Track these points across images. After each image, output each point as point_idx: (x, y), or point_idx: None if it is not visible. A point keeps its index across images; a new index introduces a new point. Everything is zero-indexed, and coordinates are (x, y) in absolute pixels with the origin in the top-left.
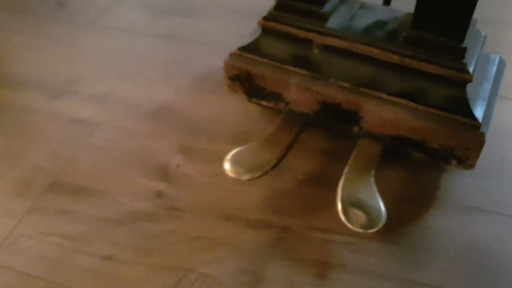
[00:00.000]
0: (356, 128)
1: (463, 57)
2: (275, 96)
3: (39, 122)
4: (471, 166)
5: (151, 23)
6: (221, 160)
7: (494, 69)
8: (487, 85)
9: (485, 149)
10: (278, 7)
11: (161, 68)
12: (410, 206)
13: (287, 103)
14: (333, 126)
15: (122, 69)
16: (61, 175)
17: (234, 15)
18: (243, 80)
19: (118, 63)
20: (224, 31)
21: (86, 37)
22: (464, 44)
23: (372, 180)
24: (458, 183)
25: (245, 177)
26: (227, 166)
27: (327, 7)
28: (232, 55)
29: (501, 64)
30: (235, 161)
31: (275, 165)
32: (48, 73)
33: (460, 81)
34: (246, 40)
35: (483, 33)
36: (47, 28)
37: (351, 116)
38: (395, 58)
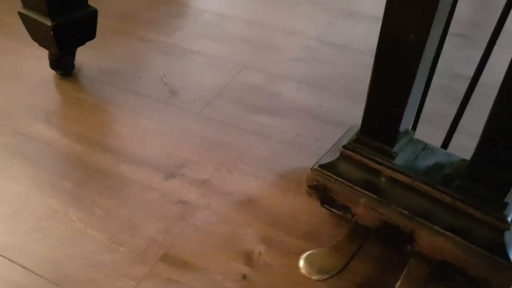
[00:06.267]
0: (409, 247)
1: (504, 209)
2: (344, 208)
3: (155, 199)
4: None
5: (244, 118)
6: (294, 255)
7: None
8: None
9: None
10: (356, 140)
11: (251, 162)
12: None
13: (353, 215)
14: (390, 241)
15: (220, 159)
16: (172, 248)
17: (312, 120)
18: (320, 191)
19: (218, 153)
20: (303, 133)
21: (193, 125)
22: (506, 200)
23: None
24: None
25: (315, 277)
26: (301, 264)
27: (396, 148)
28: (314, 170)
29: None
30: (308, 262)
31: (340, 271)
32: (162, 155)
33: (499, 228)
34: (325, 158)
35: None
36: (162, 113)
37: (406, 238)
38: (448, 199)
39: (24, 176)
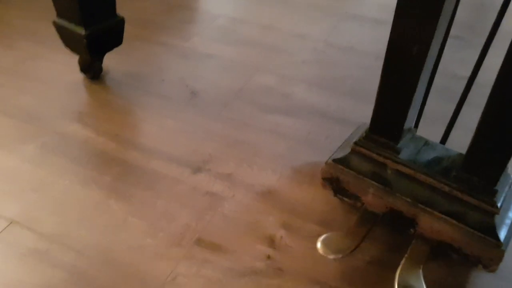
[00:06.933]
0: (412, 230)
1: (494, 196)
2: (355, 197)
3: (186, 191)
4: (493, 271)
5: (260, 118)
6: (312, 238)
7: None
8: (511, 214)
9: (505, 258)
10: (366, 137)
11: (268, 158)
12: None
13: (363, 204)
14: (395, 225)
15: (240, 155)
16: (204, 233)
17: (322, 119)
18: (333, 182)
19: (238, 150)
20: (315, 131)
21: (214, 124)
22: (496, 187)
23: (420, 272)
24: (482, 279)
25: (331, 256)
26: (319, 245)
27: (400, 144)
28: (328, 164)
29: None
30: (325, 244)
31: (353, 251)
32: (188, 152)
33: (490, 212)
34: (338, 153)
35: None
36: (184, 113)
37: (409, 222)
38: (446, 188)
39: (66, 172)
